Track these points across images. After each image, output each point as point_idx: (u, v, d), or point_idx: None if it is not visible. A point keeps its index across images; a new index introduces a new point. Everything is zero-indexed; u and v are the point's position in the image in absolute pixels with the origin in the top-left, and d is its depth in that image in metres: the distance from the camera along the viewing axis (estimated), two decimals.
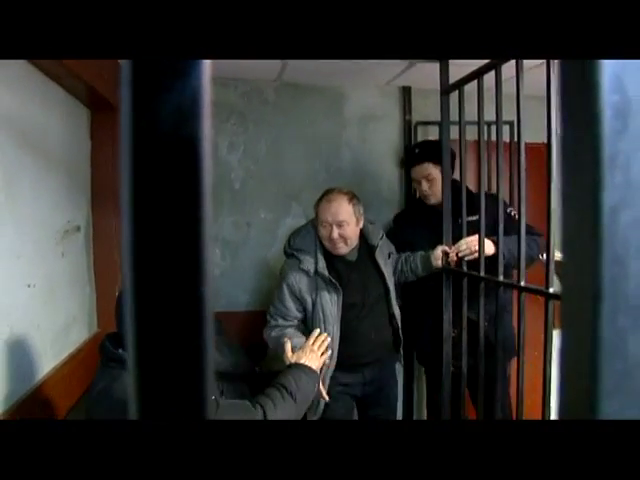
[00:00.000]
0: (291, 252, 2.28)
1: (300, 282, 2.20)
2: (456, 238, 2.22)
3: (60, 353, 1.81)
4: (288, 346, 1.90)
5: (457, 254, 2.19)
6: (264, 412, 1.47)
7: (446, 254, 2.24)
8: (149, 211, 0.25)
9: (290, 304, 2.22)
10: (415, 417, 3.02)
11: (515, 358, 1.83)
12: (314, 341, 1.90)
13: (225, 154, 2.86)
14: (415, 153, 2.49)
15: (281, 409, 1.51)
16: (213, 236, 2.90)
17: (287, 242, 2.33)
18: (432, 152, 2.37)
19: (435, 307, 2.38)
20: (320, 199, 2.21)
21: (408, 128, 2.93)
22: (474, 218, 2.06)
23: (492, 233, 1.99)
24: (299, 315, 2.24)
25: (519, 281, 1.72)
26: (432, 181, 2.40)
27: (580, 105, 0.29)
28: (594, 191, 0.28)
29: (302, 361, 1.77)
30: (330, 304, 2.17)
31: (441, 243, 2.27)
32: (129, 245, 0.26)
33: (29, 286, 1.52)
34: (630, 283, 0.29)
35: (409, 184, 2.91)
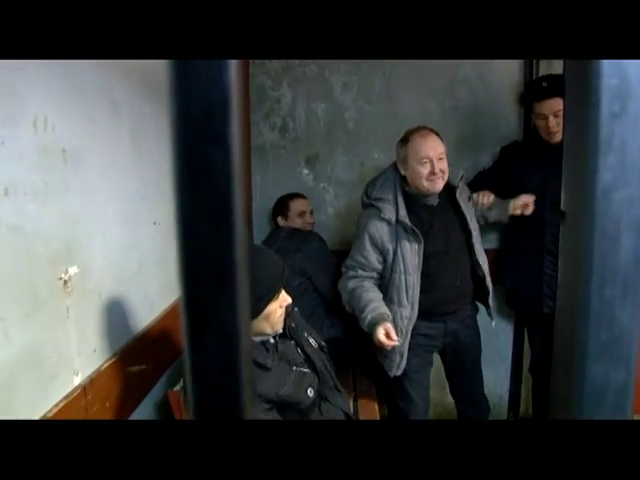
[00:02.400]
0: (369, 202, 2.21)
1: (381, 231, 2.13)
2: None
3: None
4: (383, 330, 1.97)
5: None
6: None
7: (527, 206, 2.20)
8: (190, 192, 0.31)
9: (371, 255, 2.15)
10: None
11: None
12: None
13: (339, 94, 2.88)
14: (543, 87, 2.35)
15: None
16: (327, 176, 2.97)
17: (364, 192, 2.26)
18: (562, 86, 2.24)
19: (534, 249, 2.35)
20: (408, 139, 2.12)
21: (529, 62, 2.75)
22: None
23: None
24: (378, 267, 2.17)
25: None
26: (561, 117, 2.27)
27: (582, 88, 0.30)
28: (589, 171, 0.30)
29: None
30: (410, 253, 2.08)
31: (554, 182, 2.19)
32: (177, 224, 0.32)
33: (155, 223, 1.69)
34: (621, 257, 0.30)
35: (528, 121, 2.77)
